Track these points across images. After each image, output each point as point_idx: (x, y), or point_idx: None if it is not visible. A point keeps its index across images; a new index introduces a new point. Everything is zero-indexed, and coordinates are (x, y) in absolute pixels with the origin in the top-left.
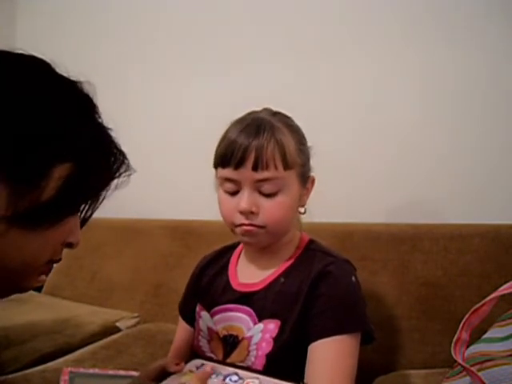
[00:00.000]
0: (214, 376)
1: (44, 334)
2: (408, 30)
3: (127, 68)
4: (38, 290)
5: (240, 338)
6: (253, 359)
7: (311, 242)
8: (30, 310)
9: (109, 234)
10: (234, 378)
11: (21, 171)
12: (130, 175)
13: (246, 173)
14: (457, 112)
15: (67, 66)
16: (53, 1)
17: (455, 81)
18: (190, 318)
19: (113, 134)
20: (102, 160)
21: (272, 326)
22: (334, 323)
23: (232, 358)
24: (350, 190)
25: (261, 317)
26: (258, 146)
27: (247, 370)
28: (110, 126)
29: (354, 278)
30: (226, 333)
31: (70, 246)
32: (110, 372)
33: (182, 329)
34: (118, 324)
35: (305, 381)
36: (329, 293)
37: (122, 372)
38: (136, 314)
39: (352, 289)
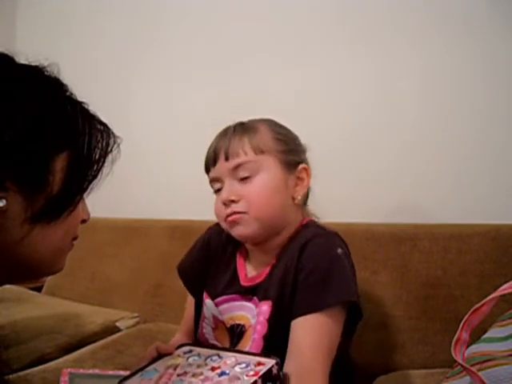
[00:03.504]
0: (196, 357)
1: (44, 334)
2: (407, 30)
3: (127, 69)
4: (38, 289)
5: (247, 327)
6: (252, 343)
7: (309, 221)
8: (31, 310)
9: (109, 234)
10: (215, 357)
11: (26, 175)
12: (119, 145)
13: (221, 166)
14: (456, 112)
15: (67, 67)
16: (53, 1)
17: (456, 80)
18: (198, 292)
19: (90, 107)
20: (92, 137)
21: (265, 308)
22: (313, 300)
23: (239, 347)
24: (350, 189)
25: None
26: (227, 140)
27: (231, 350)
28: (83, 100)
29: (339, 250)
30: (233, 323)
31: (83, 222)
32: (110, 372)
33: (191, 304)
34: (117, 324)
35: (286, 360)
36: (310, 266)
37: (122, 372)
38: (136, 314)
39: (335, 261)
